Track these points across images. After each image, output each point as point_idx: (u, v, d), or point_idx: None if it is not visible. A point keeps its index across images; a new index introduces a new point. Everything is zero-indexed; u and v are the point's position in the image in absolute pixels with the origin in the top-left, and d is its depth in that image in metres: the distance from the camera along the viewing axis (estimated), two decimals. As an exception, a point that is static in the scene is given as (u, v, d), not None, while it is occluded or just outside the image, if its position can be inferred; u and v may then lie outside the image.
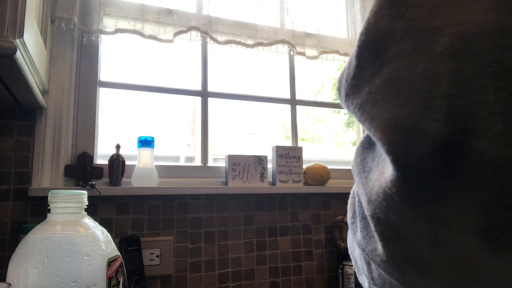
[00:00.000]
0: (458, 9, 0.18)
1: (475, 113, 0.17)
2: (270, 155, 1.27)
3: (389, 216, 0.20)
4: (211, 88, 1.29)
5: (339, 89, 0.25)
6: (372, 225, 0.22)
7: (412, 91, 0.19)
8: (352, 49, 1.39)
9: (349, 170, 1.44)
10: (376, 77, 0.21)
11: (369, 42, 0.22)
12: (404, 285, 0.22)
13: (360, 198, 0.24)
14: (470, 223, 0.18)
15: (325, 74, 1.54)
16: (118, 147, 1.07)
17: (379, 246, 0.22)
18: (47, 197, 0.57)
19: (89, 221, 0.57)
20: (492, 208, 0.17)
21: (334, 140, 1.56)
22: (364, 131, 1.17)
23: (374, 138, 0.21)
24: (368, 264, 0.26)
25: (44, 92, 1.03)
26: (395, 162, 0.19)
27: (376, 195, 0.20)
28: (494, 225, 0.17)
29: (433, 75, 0.18)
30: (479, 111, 0.17)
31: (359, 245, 0.25)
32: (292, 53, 1.33)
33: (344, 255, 1.16)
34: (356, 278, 1.11)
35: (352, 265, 1.12)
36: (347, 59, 1.40)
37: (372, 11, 0.22)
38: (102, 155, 1.14)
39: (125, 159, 1.08)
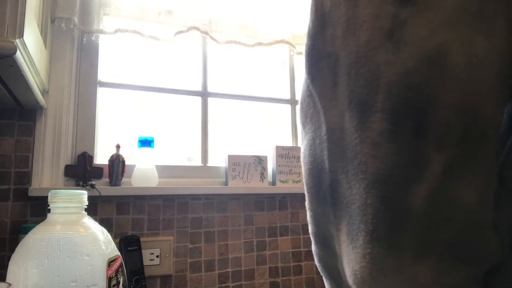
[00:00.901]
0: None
1: None
2: (270, 155, 1.27)
3: None
4: (211, 88, 1.29)
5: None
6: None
7: None
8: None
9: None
10: None
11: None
12: None
13: None
14: None
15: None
16: (118, 147, 1.07)
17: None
18: (47, 197, 0.57)
19: (89, 221, 0.57)
20: None
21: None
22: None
23: None
24: None
25: (44, 92, 1.03)
26: None
27: None
28: None
29: None
30: None
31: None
32: (292, 53, 1.33)
33: None
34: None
35: None
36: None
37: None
38: (102, 155, 1.14)
39: (125, 159, 1.08)
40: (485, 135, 0.20)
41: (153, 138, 1.11)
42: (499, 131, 0.21)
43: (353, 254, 0.21)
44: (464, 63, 0.19)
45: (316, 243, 0.26)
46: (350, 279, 0.22)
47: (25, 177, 0.99)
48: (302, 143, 0.27)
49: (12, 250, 0.90)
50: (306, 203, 0.26)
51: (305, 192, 0.26)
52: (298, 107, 0.27)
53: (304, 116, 0.26)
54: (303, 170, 0.27)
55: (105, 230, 0.59)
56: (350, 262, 0.22)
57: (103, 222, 1.03)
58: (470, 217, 0.20)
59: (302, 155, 0.27)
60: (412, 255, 0.20)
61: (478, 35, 0.19)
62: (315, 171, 0.24)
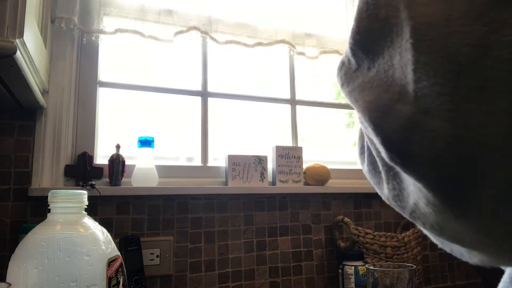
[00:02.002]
0: (413, 3, 0.21)
1: (430, 95, 0.20)
2: (270, 155, 1.27)
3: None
4: (211, 88, 1.30)
5: (337, 76, 0.29)
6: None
7: (392, 80, 0.22)
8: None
9: (349, 170, 1.44)
10: (370, 70, 0.25)
11: (357, 44, 0.25)
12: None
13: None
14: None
15: (325, 74, 1.54)
16: (118, 147, 1.07)
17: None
18: (47, 197, 0.57)
19: (89, 221, 0.57)
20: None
21: (334, 140, 1.56)
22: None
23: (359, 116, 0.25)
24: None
25: (44, 92, 1.03)
26: (375, 131, 0.23)
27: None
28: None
29: (404, 64, 0.21)
30: (433, 93, 0.20)
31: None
32: (292, 53, 1.33)
33: (344, 255, 1.16)
34: (356, 278, 1.11)
35: (352, 265, 1.12)
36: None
37: (354, 16, 0.26)
38: (102, 155, 1.14)
39: (125, 159, 1.08)
40: None
41: (153, 138, 1.11)
42: None
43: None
44: None
45: None
46: None
47: (25, 177, 0.99)
48: None
49: (12, 250, 0.90)
50: None
51: None
52: None
53: None
54: None
55: (105, 230, 0.59)
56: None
57: (103, 222, 1.03)
58: None
59: None
60: None
61: None
62: None
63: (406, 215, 0.25)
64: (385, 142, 0.23)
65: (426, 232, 0.26)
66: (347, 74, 0.27)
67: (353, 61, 0.27)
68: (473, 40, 0.19)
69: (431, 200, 0.22)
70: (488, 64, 0.19)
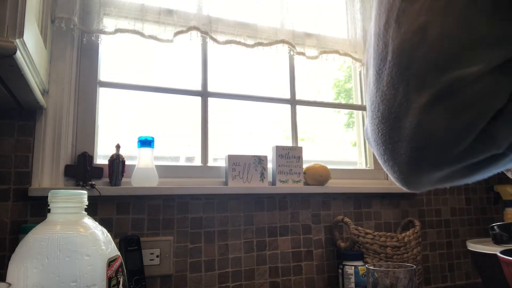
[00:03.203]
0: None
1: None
2: (270, 155, 1.27)
3: None
4: (211, 88, 1.30)
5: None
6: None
7: None
8: (352, 49, 1.39)
9: (349, 170, 1.44)
10: None
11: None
12: None
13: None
14: None
15: (325, 74, 1.54)
16: (118, 147, 1.07)
17: None
18: (47, 197, 0.57)
19: (89, 221, 0.57)
20: None
21: (334, 140, 1.56)
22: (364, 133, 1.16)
23: None
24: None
25: (44, 92, 1.03)
26: None
27: None
28: None
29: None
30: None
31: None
32: (292, 53, 1.33)
33: (344, 255, 1.16)
34: (356, 278, 1.11)
35: (352, 265, 1.12)
36: (347, 59, 1.40)
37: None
38: (102, 155, 1.14)
39: (125, 159, 1.08)
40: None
41: (153, 138, 1.11)
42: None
43: None
44: (436, 33, 0.26)
45: None
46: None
47: (25, 177, 0.99)
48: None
49: (12, 250, 0.90)
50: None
51: None
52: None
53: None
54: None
55: (105, 230, 0.59)
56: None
57: (103, 222, 1.03)
58: None
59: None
60: None
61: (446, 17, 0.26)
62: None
63: None
64: None
65: None
66: None
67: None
68: None
69: None
70: None
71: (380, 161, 0.33)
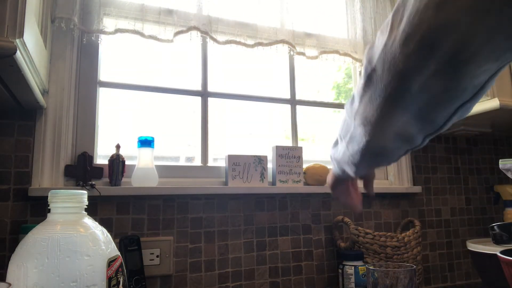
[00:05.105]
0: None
1: None
2: (270, 155, 1.27)
3: None
4: (211, 88, 1.30)
5: None
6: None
7: None
8: (352, 49, 1.39)
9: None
10: None
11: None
12: None
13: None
14: None
15: (325, 74, 1.54)
16: (118, 147, 1.07)
17: None
18: (47, 197, 0.57)
19: (89, 221, 0.57)
20: None
21: (334, 140, 1.55)
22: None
23: None
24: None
25: (44, 92, 1.03)
26: None
27: None
28: None
29: None
30: None
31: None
32: (292, 53, 1.33)
33: (344, 255, 1.16)
34: (356, 277, 1.11)
35: (352, 265, 1.12)
36: (347, 59, 1.40)
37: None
38: (102, 155, 1.14)
39: (125, 159, 1.08)
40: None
41: (153, 138, 1.11)
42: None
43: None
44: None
45: None
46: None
47: (25, 177, 0.99)
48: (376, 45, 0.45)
49: (12, 250, 0.90)
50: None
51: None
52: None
53: (380, 33, 0.44)
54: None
55: (105, 230, 0.59)
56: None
57: (103, 222, 1.03)
58: None
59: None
60: None
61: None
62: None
63: None
64: None
65: None
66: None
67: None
68: None
69: None
70: None
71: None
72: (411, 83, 0.40)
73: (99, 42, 1.14)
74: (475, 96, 0.42)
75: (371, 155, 0.54)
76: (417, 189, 1.42)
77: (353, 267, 1.11)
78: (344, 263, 1.14)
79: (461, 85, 0.39)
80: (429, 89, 0.40)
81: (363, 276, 1.09)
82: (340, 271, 1.15)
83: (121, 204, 1.06)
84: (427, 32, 0.36)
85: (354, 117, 0.51)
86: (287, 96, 1.40)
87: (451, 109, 0.43)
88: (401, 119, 0.45)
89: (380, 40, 0.43)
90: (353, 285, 1.11)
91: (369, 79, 0.46)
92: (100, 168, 1.08)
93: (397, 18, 0.40)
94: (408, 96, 0.42)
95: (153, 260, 1.05)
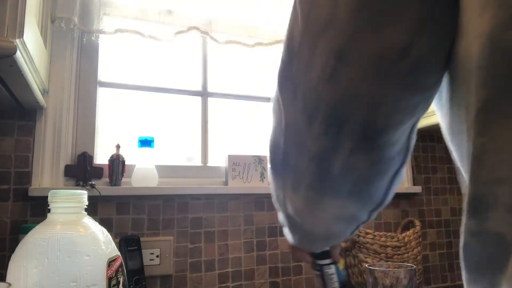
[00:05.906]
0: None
1: None
2: (270, 155, 1.27)
3: None
4: (211, 88, 1.29)
5: None
6: None
7: None
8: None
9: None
10: None
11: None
12: None
13: None
14: None
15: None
16: (118, 147, 1.07)
17: None
18: (47, 197, 0.57)
19: (89, 221, 0.57)
20: None
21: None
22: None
23: None
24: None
25: (44, 92, 1.03)
26: None
27: None
28: None
29: None
30: None
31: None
32: (292, 53, 1.33)
33: (315, 255, 1.11)
34: (338, 275, 1.07)
35: (330, 264, 1.04)
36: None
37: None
38: (102, 155, 1.14)
39: (125, 159, 1.08)
40: None
41: (153, 138, 1.11)
42: None
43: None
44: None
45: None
46: None
47: (25, 177, 0.99)
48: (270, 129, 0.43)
49: (12, 250, 0.90)
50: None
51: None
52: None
53: (273, 111, 0.42)
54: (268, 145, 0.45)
55: (105, 230, 0.59)
56: None
57: (103, 222, 1.03)
58: None
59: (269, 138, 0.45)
60: None
61: None
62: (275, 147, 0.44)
63: None
64: None
65: None
66: None
67: None
68: None
69: None
70: None
71: None
72: (330, 165, 0.36)
73: (99, 42, 1.14)
74: (405, 159, 0.38)
75: (319, 240, 0.50)
76: (417, 189, 1.42)
77: (333, 266, 0.95)
78: (319, 262, 0.97)
79: (386, 156, 0.35)
80: (353, 168, 0.36)
81: (342, 270, 0.97)
82: (318, 272, 0.97)
83: (121, 204, 1.06)
84: (328, 109, 0.32)
85: (286, 206, 0.46)
86: (287, 96, 1.40)
87: (385, 181, 0.38)
88: (334, 204, 0.40)
89: (276, 123, 0.40)
90: (336, 284, 0.96)
91: (283, 167, 0.43)
92: (100, 168, 1.08)
93: (287, 95, 0.36)
94: (332, 180, 0.37)
95: (153, 260, 1.05)
